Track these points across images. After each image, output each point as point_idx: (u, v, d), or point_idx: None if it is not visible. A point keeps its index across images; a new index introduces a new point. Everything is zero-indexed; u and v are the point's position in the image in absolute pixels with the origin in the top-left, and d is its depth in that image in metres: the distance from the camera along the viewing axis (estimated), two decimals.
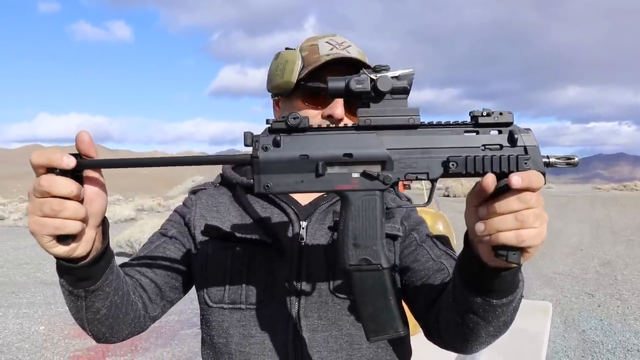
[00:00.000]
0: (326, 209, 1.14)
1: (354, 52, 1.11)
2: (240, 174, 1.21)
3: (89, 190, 0.80)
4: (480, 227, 0.74)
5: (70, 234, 0.76)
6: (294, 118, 0.77)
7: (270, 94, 1.21)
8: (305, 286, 1.07)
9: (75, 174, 0.77)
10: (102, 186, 0.83)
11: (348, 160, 0.78)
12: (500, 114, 0.77)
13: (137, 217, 16.81)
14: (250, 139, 0.78)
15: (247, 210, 1.15)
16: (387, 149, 0.78)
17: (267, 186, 0.77)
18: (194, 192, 1.23)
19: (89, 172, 0.80)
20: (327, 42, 1.13)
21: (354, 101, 1.10)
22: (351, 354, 1.07)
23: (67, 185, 0.74)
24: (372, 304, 0.83)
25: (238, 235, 1.10)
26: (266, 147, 0.77)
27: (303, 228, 1.11)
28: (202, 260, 1.12)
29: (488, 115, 0.77)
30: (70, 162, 0.74)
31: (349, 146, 0.78)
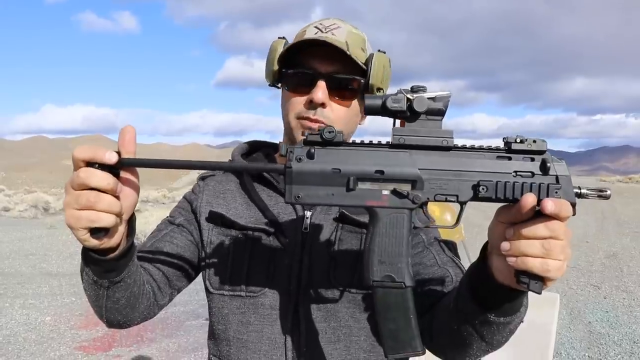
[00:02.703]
0: None
1: (340, 34, 1.08)
2: (249, 162, 1.20)
3: (125, 185, 0.82)
4: (505, 246, 0.74)
5: (103, 227, 0.78)
6: (329, 132, 0.78)
7: (269, 84, 1.19)
8: (306, 276, 1.06)
9: (113, 171, 0.78)
10: (136, 182, 0.85)
11: (379, 177, 0.79)
12: (534, 141, 0.78)
13: (142, 208, 16.85)
14: (284, 149, 0.79)
15: (253, 198, 1.14)
16: (419, 169, 0.79)
17: (298, 197, 0.78)
18: (202, 178, 1.23)
19: (126, 169, 0.82)
20: (315, 27, 1.11)
21: (341, 86, 1.08)
22: (349, 346, 1.07)
23: (105, 178, 0.75)
24: (393, 321, 0.83)
25: (241, 223, 1.10)
26: (300, 159, 0.78)
27: (307, 218, 1.10)
28: (205, 246, 1.13)
29: (522, 142, 0.78)
30: (112, 157, 0.76)
31: (381, 163, 0.79)
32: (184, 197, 1.23)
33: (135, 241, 0.89)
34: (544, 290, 0.75)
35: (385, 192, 0.79)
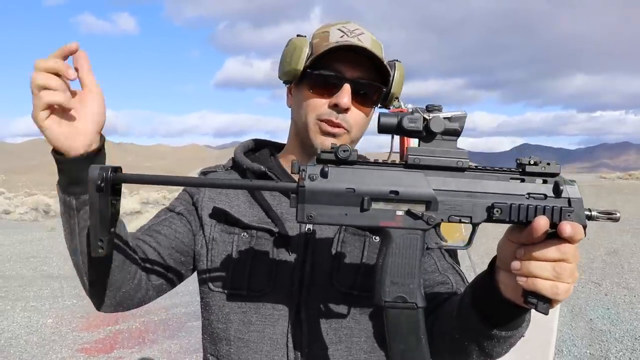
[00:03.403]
0: None
1: (365, 40, 1.09)
2: (252, 160, 1.20)
3: (86, 93, 0.89)
4: (515, 265, 0.74)
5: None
6: (344, 151, 0.77)
7: (283, 81, 1.19)
8: (308, 277, 1.06)
9: (115, 187, 0.79)
10: (99, 95, 0.90)
11: (394, 197, 0.77)
12: (548, 164, 0.78)
13: (143, 210, 16.87)
14: (297, 167, 0.77)
15: (256, 196, 1.14)
16: (434, 190, 0.78)
17: (311, 216, 0.76)
18: (204, 173, 1.22)
19: (85, 81, 0.89)
20: (338, 29, 1.10)
21: (364, 92, 1.09)
22: (350, 347, 1.07)
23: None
24: (403, 341, 0.82)
25: (245, 221, 1.10)
26: (313, 177, 0.77)
27: None
28: (207, 243, 1.12)
29: (535, 164, 0.78)
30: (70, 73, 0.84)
31: (395, 183, 0.77)
32: (185, 190, 1.22)
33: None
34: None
35: (400, 213, 0.78)
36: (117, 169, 0.78)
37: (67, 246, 0.95)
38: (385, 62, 1.09)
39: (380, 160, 0.81)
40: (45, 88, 0.81)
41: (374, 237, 1.08)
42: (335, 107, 1.07)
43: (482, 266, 0.87)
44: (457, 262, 1.13)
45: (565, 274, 0.72)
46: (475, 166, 0.80)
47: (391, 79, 1.11)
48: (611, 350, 4.75)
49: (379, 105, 1.17)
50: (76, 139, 0.86)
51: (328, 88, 1.09)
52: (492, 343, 0.85)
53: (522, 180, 0.78)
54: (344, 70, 1.07)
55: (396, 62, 1.14)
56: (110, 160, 0.83)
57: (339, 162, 0.77)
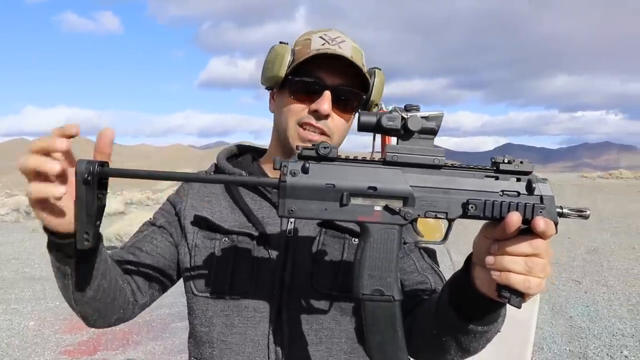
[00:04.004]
0: None
1: (346, 48, 1.11)
2: (234, 165, 1.21)
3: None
4: (490, 260, 0.77)
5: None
6: (325, 147, 0.79)
7: (265, 87, 1.22)
8: (289, 279, 1.08)
9: (102, 181, 0.80)
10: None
11: (372, 193, 0.80)
12: (521, 162, 0.81)
13: (126, 210, 16.71)
14: (278, 163, 0.79)
15: (238, 202, 1.16)
16: (411, 186, 0.80)
17: (292, 210, 0.78)
18: None
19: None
20: (320, 37, 1.13)
21: (345, 99, 1.12)
22: (330, 348, 1.09)
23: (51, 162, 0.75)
24: (380, 333, 0.85)
25: (226, 227, 1.12)
26: (294, 173, 0.79)
27: (291, 222, 1.12)
28: (190, 250, 1.14)
29: (509, 162, 0.81)
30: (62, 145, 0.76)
31: (374, 180, 0.80)
32: (168, 200, 1.24)
33: (107, 245, 0.87)
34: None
35: (378, 208, 0.80)
36: (103, 164, 0.80)
37: (60, 288, 0.96)
38: (364, 70, 1.12)
39: (360, 158, 0.84)
40: (37, 172, 0.75)
41: (353, 239, 1.11)
42: (315, 113, 1.10)
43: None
44: (436, 263, 1.16)
45: (537, 268, 0.75)
46: (452, 164, 0.83)
47: (371, 86, 1.14)
48: (589, 346, 4.84)
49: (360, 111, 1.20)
50: (63, 225, 0.82)
51: (309, 94, 1.11)
52: (469, 338, 0.88)
53: (497, 178, 0.81)
54: (325, 78, 1.10)
55: (376, 69, 1.17)
56: None
57: (320, 158, 0.80)
